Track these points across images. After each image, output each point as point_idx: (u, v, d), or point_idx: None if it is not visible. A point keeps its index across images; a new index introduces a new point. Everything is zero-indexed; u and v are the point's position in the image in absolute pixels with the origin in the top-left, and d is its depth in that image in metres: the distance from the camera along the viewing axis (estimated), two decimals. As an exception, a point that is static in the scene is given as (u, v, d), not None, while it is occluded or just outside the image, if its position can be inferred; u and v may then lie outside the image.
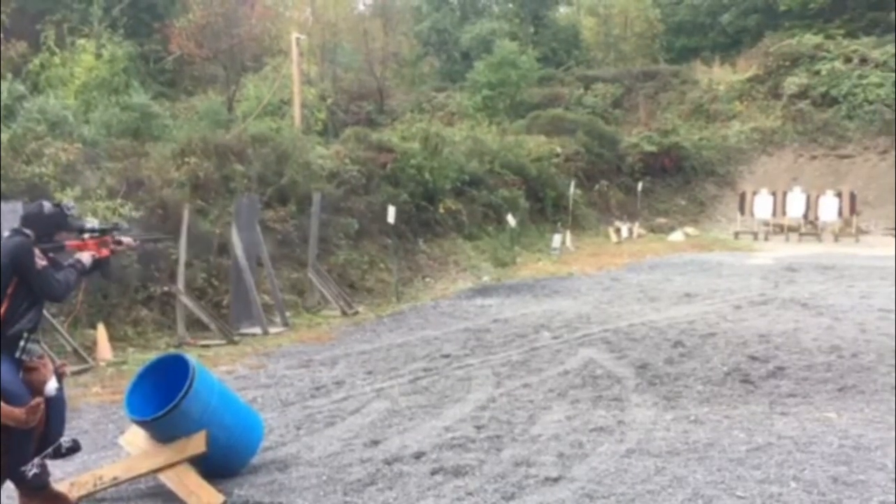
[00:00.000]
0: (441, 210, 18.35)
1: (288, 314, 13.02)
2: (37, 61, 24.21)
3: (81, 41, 23.92)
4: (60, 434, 4.99)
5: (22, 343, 4.70)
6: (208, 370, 6.02)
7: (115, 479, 5.26)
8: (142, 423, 5.33)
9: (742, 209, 23.42)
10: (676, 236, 22.48)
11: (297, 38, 22.11)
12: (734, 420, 6.73)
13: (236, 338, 11.39)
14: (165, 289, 12.00)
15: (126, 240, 5.35)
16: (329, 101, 32.28)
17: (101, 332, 10.42)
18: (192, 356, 5.71)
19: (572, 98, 32.39)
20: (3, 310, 4.60)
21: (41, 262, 4.71)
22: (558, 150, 23.55)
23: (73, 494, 5.22)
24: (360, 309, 13.92)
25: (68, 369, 5.52)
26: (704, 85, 31.32)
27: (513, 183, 20.63)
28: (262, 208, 14.68)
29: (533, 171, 21.64)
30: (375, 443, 6.41)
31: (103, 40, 24.24)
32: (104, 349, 10.31)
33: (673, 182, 26.02)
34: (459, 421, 6.94)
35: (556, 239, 19.67)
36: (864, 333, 10.18)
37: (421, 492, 5.32)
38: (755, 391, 7.62)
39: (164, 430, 5.29)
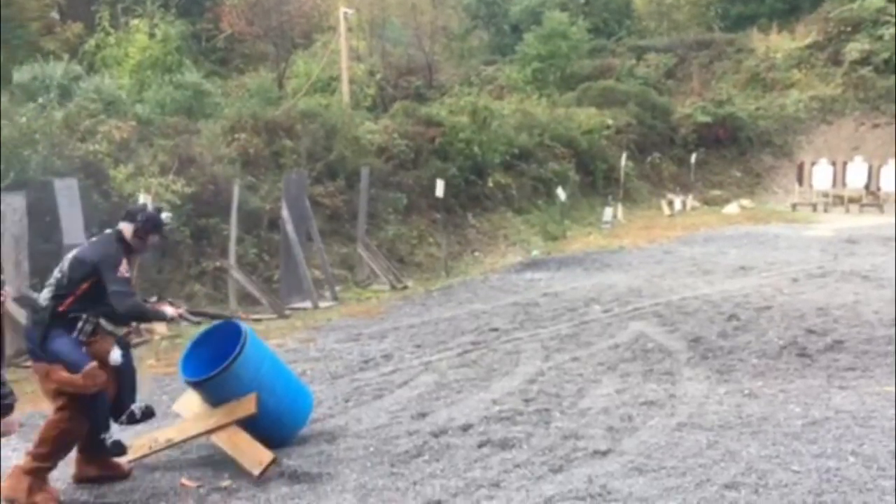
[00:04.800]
0: (490, 184, 18.24)
1: (337, 288, 13.10)
2: (92, 42, 24.63)
3: (135, 21, 24.22)
4: (132, 401, 5.20)
5: (80, 324, 4.93)
6: (260, 339, 6.04)
7: (168, 440, 5.35)
8: (195, 385, 5.40)
9: (800, 180, 22.80)
10: (731, 209, 21.98)
11: (345, 13, 22.00)
12: (790, 394, 6.55)
13: (287, 312, 11.51)
14: (217, 264, 12.17)
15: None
16: (378, 76, 32.21)
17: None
18: (244, 324, 5.74)
19: (624, 69, 31.71)
20: (68, 302, 4.85)
21: (125, 273, 4.98)
22: (609, 122, 23.15)
23: (131, 456, 5.32)
24: (410, 283, 13.95)
25: (133, 338, 5.64)
26: (761, 53, 30.40)
27: (563, 156, 20.39)
28: (310, 184, 14.77)
29: (583, 143, 21.34)
30: (423, 415, 6.40)
31: (156, 20, 24.49)
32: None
33: (728, 153, 25.40)
34: (507, 394, 6.89)
35: (608, 212, 19.41)
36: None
37: (468, 464, 5.29)
38: (812, 365, 7.41)
39: (216, 391, 5.35)
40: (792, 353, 7.82)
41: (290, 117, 15.91)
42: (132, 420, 5.23)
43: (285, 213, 12.25)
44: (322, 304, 12.12)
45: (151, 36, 23.26)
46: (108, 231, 5.33)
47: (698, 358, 7.85)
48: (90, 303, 4.97)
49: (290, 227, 12.23)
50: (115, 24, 24.95)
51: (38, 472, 4.81)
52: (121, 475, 5.19)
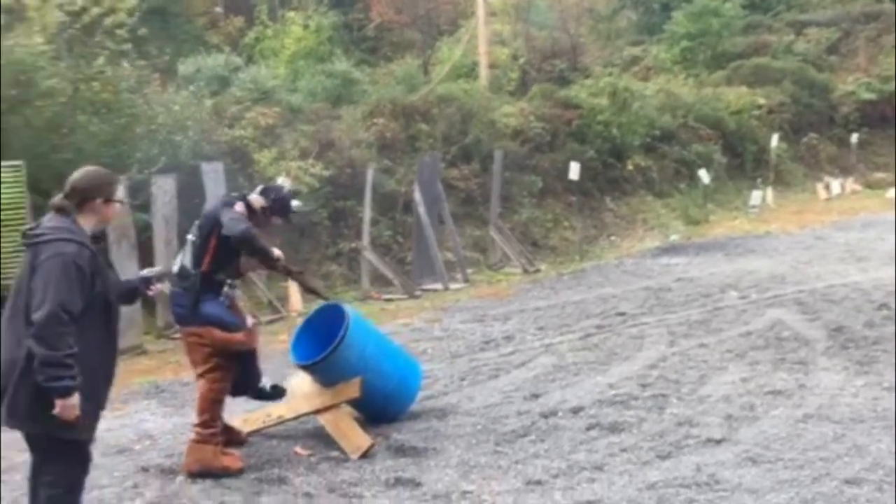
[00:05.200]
0: (629, 167, 17.78)
1: (470, 271, 13.20)
2: (252, 35, 25.92)
3: (291, 14, 25.20)
4: (258, 377, 5.43)
5: (225, 289, 5.16)
6: (366, 320, 6.19)
7: (280, 417, 5.58)
8: (303, 368, 5.59)
9: (979, 162, 20.84)
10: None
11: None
12: (939, 389, 6.03)
13: (417, 293, 11.71)
14: (353, 245, 12.53)
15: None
16: (521, 60, 32.04)
17: (293, 286, 11.04)
18: (349, 306, 5.89)
19: (780, 46, 30.03)
20: (206, 262, 5.04)
21: (240, 210, 5.10)
22: (761, 101, 21.99)
23: (246, 429, 5.60)
24: (542, 267, 13.84)
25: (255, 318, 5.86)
26: (937, 24, 27.99)
27: (708, 137, 19.57)
28: (445, 167, 14.92)
29: (731, 124, 20.41)
30: (535, 396, 6.36)
31: (311, 12, 25.40)
32: (295, 301, 10.94)
33: (894, 133, 23.54)
34: (625, 378, 6.73)
35: (755, 196, 18.48)
36: None
37: (573, 446, 5.21)
38: (967, 359, 6.79)
39: (321, 374, 5.53)
40: (945, 346, 7.19)
41: (427, 102, 16.11)
42: (263, 396, 5.46)
43: (418, 195, 12.44)
44: (452, 286, 12.24)
45: (305, 27, 24.21)
46: (233, 194, 5.54)
47: (837, 348, 7.36)
48: (224, 258, 5.07)
49: (422, 210, 12.41)
50: (272, 17, 26.11)
51: (212, 437, 5.02)
52: (239, 441, 5.46)
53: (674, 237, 15.84)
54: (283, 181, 11.36)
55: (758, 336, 7.95)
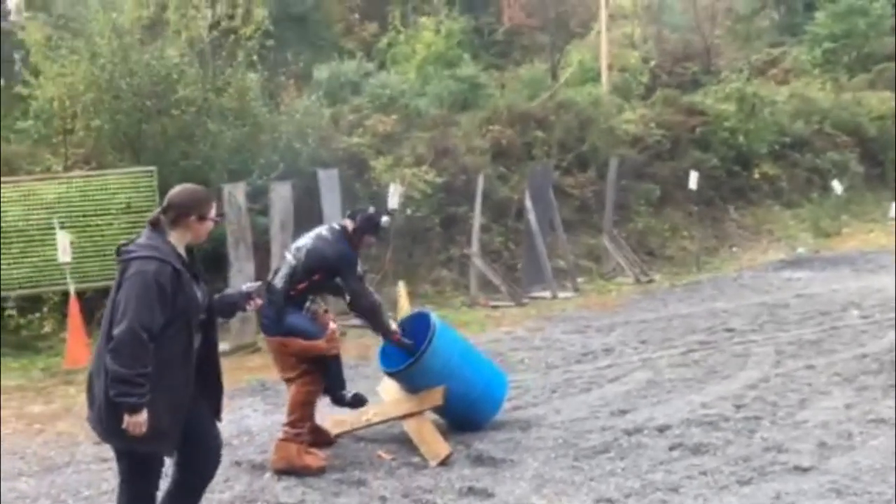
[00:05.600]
0: (756, 175, 17.17)
1: (582, 280, 13.13)
2: (385, 40, 26.68)
3: (423, 19, 25.70)
4: (341, 387, 5.62)
5: (308, 304, 5.46)
6: (452, 329, 6.31)
7: (367, 420, 5.79)
8: (389, 374, 5.78)
9: None
10: None
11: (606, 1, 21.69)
12: None
13: (525, 300, 11.75)
14: (463, 251, 12.71)
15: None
16: (652, 63, 31.42)
17: (402, 290, 11.23)
18: (436, 315, 6.03)
19: (934, 46, 28.11)
20: (301, 287, 5.41)
21: (360, 272, 5.60)
22: (906, 106, 20.67)
23: (334, 431, 5.85)
24: (657, 277, 13.59)
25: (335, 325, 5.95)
26: None
27: (844, 145, 18.60)
28: (561, 174, 14.91)
29: (871, 130, 19.31)
30: (623, 412, 6.30)
31: (442, 16, 25.83)
32: (403, 305, 11.17)
33: None
34: (720, 398, 6.56)
35: (893, 207, 17.40)
36: None
37: (652, 465, 5.15)
38: None
39: (407, 381, 5.71)
40: None
41: (545, 108, 16.12)
42: (342, 403, 5.66)
43: (528, 203, 12.48)
44: (561, 294, 12.21)
45: (436, 32, 24.66)
46: (334, 226, 5.75)
47: (961, 376, 6.90)
48: (320, 290, 5.57)
49: (532, 218, 12.45)
50: (405, 23, 26.76)
51: (297, 437, 5.28)
52: (327, 442, 5.71)
53: (800, 250, 15.17)
54: (394, 189, 11.77)
55: (873, 359, 7.55)
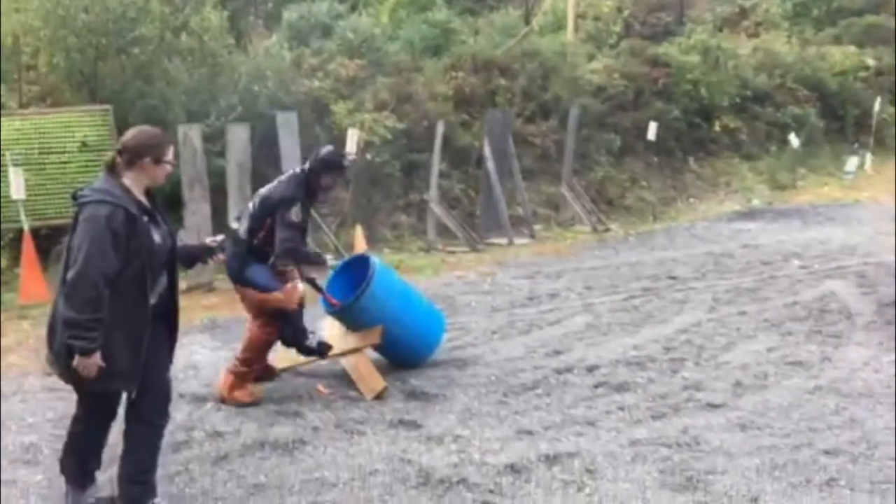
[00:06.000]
0: (717, 128, 17.37)
1: (539, 227, 13.35)
2: None
3: (398, -40, 25.17)
4: (303, 333, 5.66)
5: (272, 258, 5.44)
6: (392, 272, 6.51)
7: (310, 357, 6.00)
8: (330, 313, 5.99)
9: None
10: None
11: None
12: (967, 370, 5.92)
13: (480, 247, 11.96)
14: (423, 197, 12.85)
15: None
16: (626, 13, 31.30)
17: (359, 233, 11.18)
18: (376, 258, 6.22)
19: (904, 2, 28.26)
20: (260, 236, 5.41)
21: (294, 219, 5.35)
22: (870, 62, 20.92)
23: (278, 366, 6.06)
24: (613, 227, 13.84)
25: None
26: None
27: (805, 99, 18.82)
28: (523, 122, 14.99)
29: (833, 86, 19.54)
30: (558, 353, 6.58)
31: (418, -42, 25.32)
32: (360, 248, 11.33)
33: None
34: (651, 341, 6.85)
35: (851, 162, 17.76)
36: None
37: (575, 401, 5.43)
38: None
39: (347, 320, 5.92)
40: None
41: (510, 57, 16.14)
42: (307, 352, 5.71)
43: (487, 150, 12.62)
44: (518, 241, 12.43)
45: None
46: (295, 170, 5.68)
47: (881, 323, 7.25)
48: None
49: (490, 165, 12.60)
50: (378, -35, 26.33)
51: (243, 374, 5.49)
52: (271, 376, 5.92)
53: (755, 202, 15.50)
54: (352, 133, 11.81)
55: (802, 307, 7.89)
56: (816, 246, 11.08)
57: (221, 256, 4.12)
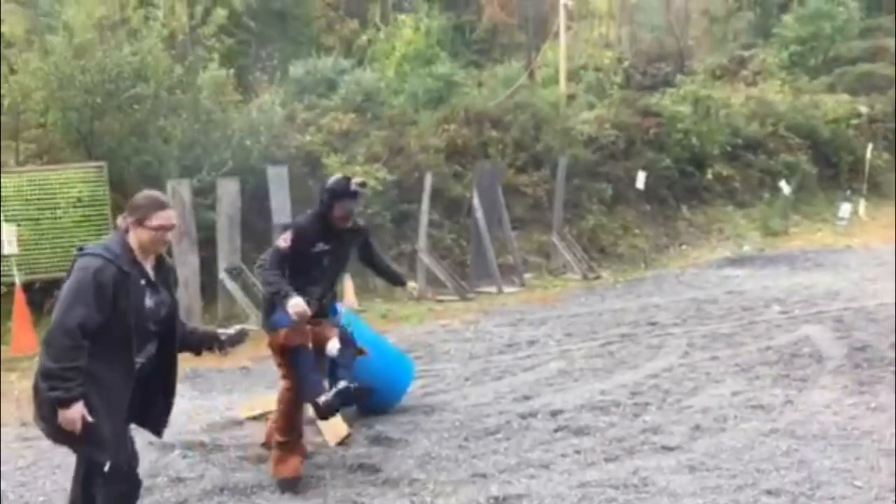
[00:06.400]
0: (709, 175, 17.62)
1: (530, 276, 13.53)
2: (365, 37, 26.94)
3: (403, 16, 25.93)
4: (314, 388, 4.89)
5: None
6: (360, 321, 6.67)
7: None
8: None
9: None
10: None
11: (565, 4, 22.09)
12: (926, 412, 5.99)
13: (470, 295, 12.15)
14: (414, 247, 13.07)
15: None
16: (626, 63, 31.86)
17: (349, 284, 11.67)
18: (347, 310, 6.40)
19: (899, 50, 28.64)
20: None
21: (281, 245, 4.89)
22: (863, 109, 21.20)
23: (243, 415, 6.21)
24: (605, 274, 14.00)
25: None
26: None
27: (798, 147, 19.06)
28: (515, 173, 15.29)
29: (825, 133, 19.78)
30: (526, 398, 6.69)
31: (422, 14, 26.06)
32: (350, 298, 11.56)
33: None
34: (620, 386, 6.96)
35: (845, 208, 17.91)
36: None
37: (533, 445, 5.54)
38: (977, 384, 6.65)
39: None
40: (964, 371, 7.05)
41: (502, 109, 16.50)
42: (322, 410, 4.88)
43: (476, 200, 12.88)
44: (507, 289, 12.60)
45: (416, 30, 24.95)
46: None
47: (849, 367, 7.32)
48: (302, 275, 4.91)
49: (479, 215, 12.84)
50: (385, 20, 27.02)
51: (279, 446, 4.99)
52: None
53: (746, 248, 15.65)
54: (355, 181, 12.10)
55: (775, 351, 7.98)
56: (801, 291, 11.18)
57: (229, 350, 3.94)
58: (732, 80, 30.85)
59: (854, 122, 20.62)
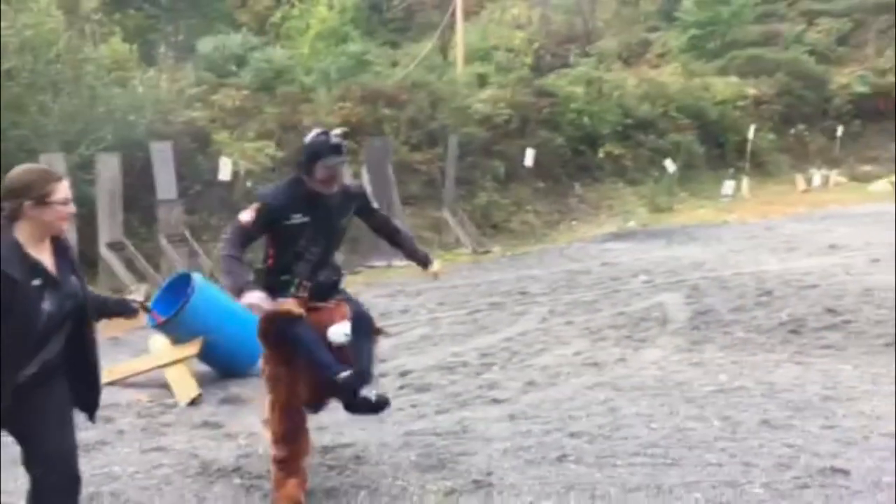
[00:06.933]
0: (601, 154, 18.26)
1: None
2: (279, 14, 26.73)
3: (317, -7, 25.70)
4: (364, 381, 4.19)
5: (292, 289, 4.22)
6: (214, 288, 6.90)
7: (134, 370, 6.36)
8: (154, 328, 6.36)
9: (962, 155, 20.85)
10: (879, 186, 20.52)
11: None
12: (741, 365, 6.55)
13: (358, 269, 12.42)
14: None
15: None
16: (536, 45, 32.40)
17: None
18: (198, 275, 6.63)
19: (791, 36, 29.97)
20: (270, 261, 4.30)
21: (243, 218, 4.17)
22: (750, 91, 22.22)
23: (105, 379, 6.38)
24: (496, 249, 14.44)
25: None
26: (950, 16, 27.70)
27: (686, 127, 19.90)
28: (409, 150, 15.60)
29: (713, 114, 20.69)
30: (383, 361, 6.95)
31: (338, -9, 25.88)
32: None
33: (889, 127, 23.52)
34: (472, 349, 7.36)
35: (728, 185, 18.82)
36: None
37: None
38: (792, 341, 7.28)
39: (170, 334, 6.31)
40: (785, 330, 7.68)
41: (398, 87, 16.77)
42: (367, 407, 4.23)
43: (366, 177, 13.14)
44: (396, 263, 12.89)
45: (330, 8, 24.89)
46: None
47: (688, 329, 7.90)
48: (285, 252, 4.21)
49: (369, 190, 13.08)
50: (301, -3, 26.78)
51: (278, 464, 4.24)
52: None
53: (631, 223, 16.31)
54: (224, 161, 12.16)
55: (627, 317, 8.52)
56: (669, 263, 11.82)
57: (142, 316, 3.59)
58: (638, 61, 31.83)
59: (741, 103, 21.59)
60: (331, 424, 5.38)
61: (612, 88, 19.15)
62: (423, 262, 5.06)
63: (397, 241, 5.04)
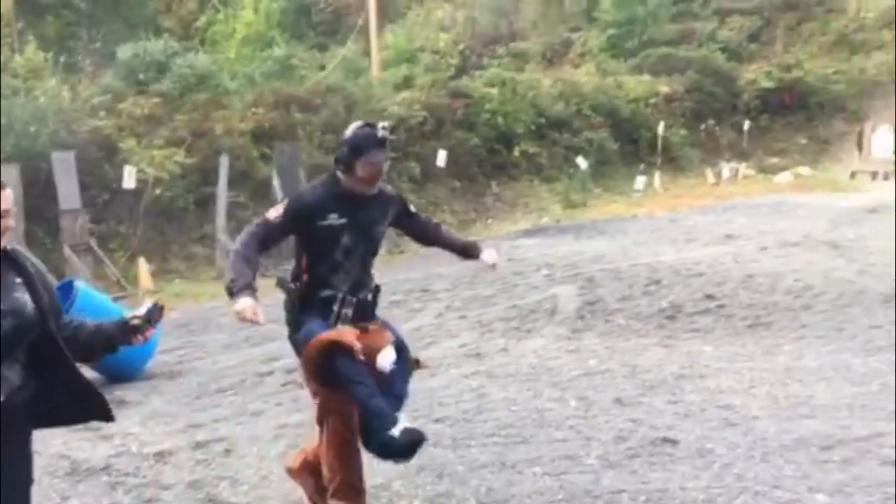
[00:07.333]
0: (516, 153, 18.65)
1: (336, 253, 14.05)
2: (203, 18, 26.50)
3: (242, -3, 25.53)
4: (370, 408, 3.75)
5: (335, 307, 3.88)
6: (98, 295, 7.02)
7: (17, 376, 6.43)
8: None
9: (860, 146, 21.84)
10: (783, 177, 21.38)
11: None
12: (613, 350, 6.93)
13: (268, 272, 12.52)
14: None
15: None
16: (461, 46, 32.76)
17: (143, 265, 11.86)
18: (82, 282, 6.73)
19: (704, 33, 30.92)
20: (305, 276, 3.95)
21: (268, 216, 3.84)
22: (663, 89, 22.91)
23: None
24: (411, 248, 14.67)
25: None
26: (852, 13, 28.96)
27: (599, 125, 20.44)
28: (325, 154, 15.72)
29: (626, 112, 21.29)
30: (273, 360, 7.20)
31: (263, -5, 25.76)
32: (145, 280, 11.77)
33: (794, 120, 24.53)
34: (364, 344, 7.59)
35: (640, 180, 19.40)
36: (863, 275, 9.70)
37: (256, 398, 6.09)
38: (666, 326, 7.70)
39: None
40: (662, 316, 8.11)
41: (312, 92, 16.90)
42: (386, 449, 3.76)
43: (276, 182, 13.28)
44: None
45: (256, 12, 24.79)
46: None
47: (573, 318, 8.27)
48: (322, 262, 3.82)
49: (279, 195, 13.23)
50: (224, 1, 26.60)
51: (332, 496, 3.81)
52: None
53: (544, 220, 16.74)
54: (128, 170, 12.11)
55: (518, 309, 8.85)
56: (571, 257, 12.20)
57: (151, 332, 2.92)
58: (561, 61, 32.46)
59: (653, 100, 22.25)
60: (208, 422, 5.58)
61: (527, 88, 19.57)
62: (477, 255, 4.45)
63: (447, 243, 4.46)
